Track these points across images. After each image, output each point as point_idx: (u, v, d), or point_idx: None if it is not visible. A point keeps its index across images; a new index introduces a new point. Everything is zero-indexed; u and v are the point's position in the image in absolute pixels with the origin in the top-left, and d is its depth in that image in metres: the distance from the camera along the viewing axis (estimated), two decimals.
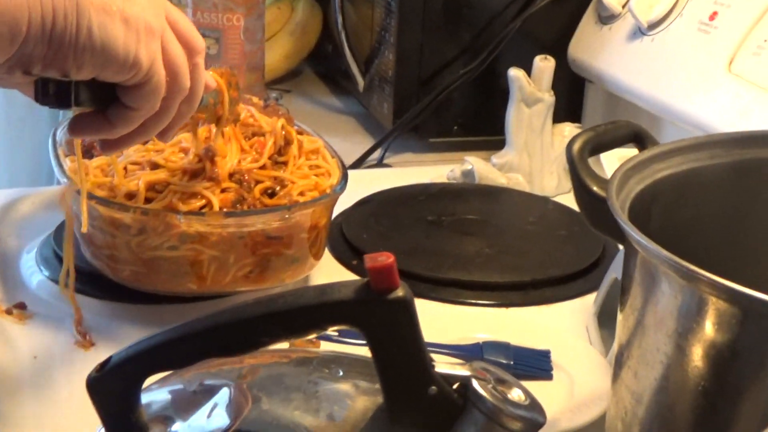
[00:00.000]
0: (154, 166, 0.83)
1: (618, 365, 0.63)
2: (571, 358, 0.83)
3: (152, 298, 0.86)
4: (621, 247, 0.96)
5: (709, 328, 0.54)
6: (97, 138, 0.69)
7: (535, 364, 0.82)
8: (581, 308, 0.92)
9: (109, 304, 0.87)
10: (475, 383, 0.50)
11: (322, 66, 1.58)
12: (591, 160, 0.67)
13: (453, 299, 0.91)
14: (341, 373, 0.55)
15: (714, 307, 0.53)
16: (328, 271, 0.95)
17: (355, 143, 1.31)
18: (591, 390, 0.79)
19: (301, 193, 0.86)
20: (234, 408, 0.51)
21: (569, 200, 1.13)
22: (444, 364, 0.51)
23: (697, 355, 0.55)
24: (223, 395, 0.53)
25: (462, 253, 0.98)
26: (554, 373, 0.81)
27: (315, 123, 1.30)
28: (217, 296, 0.87)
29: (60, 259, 0.94)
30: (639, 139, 0.71)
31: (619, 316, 0.63)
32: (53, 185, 1.87)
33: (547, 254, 0.99)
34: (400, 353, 0.49)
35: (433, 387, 0.50)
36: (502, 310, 0.91)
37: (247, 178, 0.84)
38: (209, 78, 0.76)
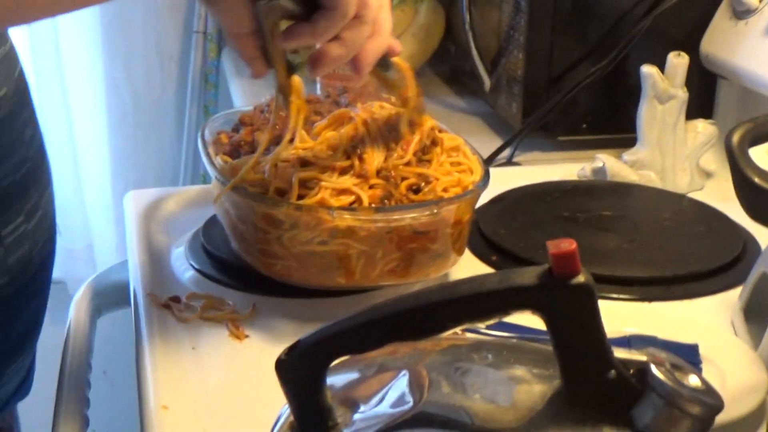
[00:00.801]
0: (304, 163, 0.85)
1: None
2: (720, 352, 0.82)
3: (301, 292, 0.88)
4: (763, 243, 0.95)
5: None
6: (304, 42, 0.79)
7: (683, 357, 0.81)
8: (724, 303, 0.92)
9: (260, 298, 0.90)
10: (653, 368, 0.51)
11: (443, 67, 1.59)
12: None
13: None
14: (512, 360, 0.56)
15: None
16: (468, 267, 0.96)
17: (482, 142, 1.31)
18: (743, 382, 0.78)
19: (445, 189, 0.87)
20: (413, 391, 0.53)
21: (704, 197, 1.13)
22: (621, 350, 0.52)
23: None
24: (402, 379, 0.54)
25: (600, 248, 0.99)
26: (703, 366, 0.81)
27: (440, 123, 1.32)
28: (363, 290, 0.90)
29: (209, 255, 0.97)
30: None
31: None
32: (179, 186, 1.94)
33: (687, 249, 0.99)
34: (580, 338, 0.50)
35: (612, 371, 0.50)
36: (645, 304, 0.91)
37: (393, 174, 0.85)
38: (395, 44, 0.85)
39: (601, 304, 0.89)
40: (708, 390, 0.52)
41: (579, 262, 0.49)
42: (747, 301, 0.87)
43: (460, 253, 0.91)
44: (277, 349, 0.83)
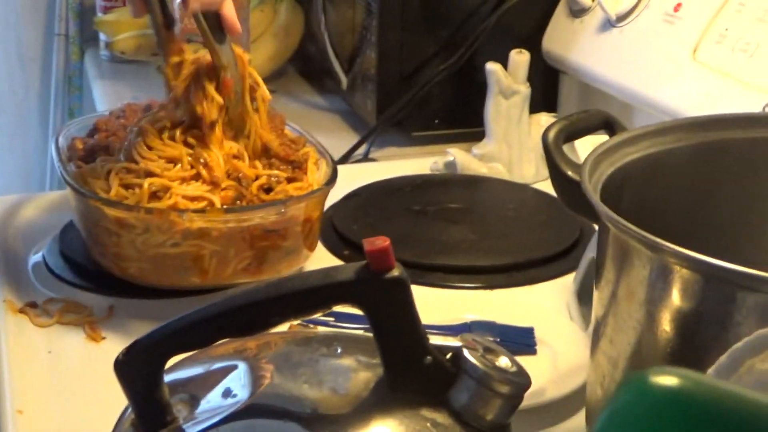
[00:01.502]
0: (149, 174, 0.87)
1: (596, 336, 0.69)
2: (553, 334, 0.88)
3: (157, 293, 0.91)
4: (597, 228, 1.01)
5: (675, 295, 0.60)
6: None
7: (520, 340, 0.87)
8: (561, 287, 0.98)
9: (117, 300, 0.92)
10: (465, 352, 0.56)
11: (305, 66, 1.63)
12: (566, 148, 0.73)
13: (441, 283, 0.97)
14: (340, 350, 0.60)
15: (679, 275, 0.59)
16: (321, 262, 1.00)
17: (340, 139, 1.36)
18: (573, 362, 0.84)
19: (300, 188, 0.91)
20: (248, 384, 0.57)
21: (547, 187, 1.18)
22: (437, 337, 0.57)
23: (665, 321, 0.61)
24: (237, 373, 0.58)
25: (448, 239, 1.04)
26: (538, 348, 0.87)
27: (300, 121, 1.35)
28: (218, 289, 0.93)
29: (66, 259, 0.99)
30: (610, 126, 0.76)
31: (596, 292, 0.69)
32: (45, 190, 1.92)
33: (528, 238, 1.05)
34: (397, 327, 0.54)
35: (429, 357, 0.55)
36: (487, 292, 0.97)
37: (243, 175, 0.89)
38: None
39: (446, 292, 0.97)
40: (518, 370, 0.57)
41: (393, 257, 0.54)
42: (580, 285, 0.93)
43: (311, 249, 0.95)
44: None
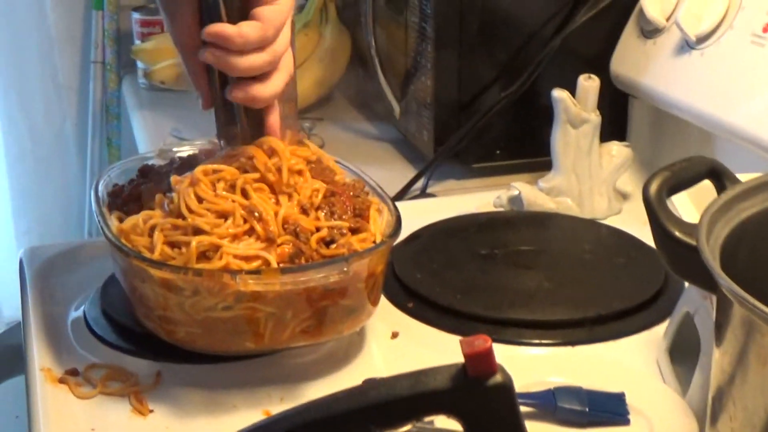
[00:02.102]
0: (197, 231, 0.79)
1: (715, 412, 0.60)
2: (647, 400, 0.80)
3: (208, 358, 0.83)
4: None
5: None
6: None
7: (610, 408, 0.78)
8: (649, 342, 0.89)
9: (164, 365, 0.84)
10: None
11: (352, 91, 1.55)
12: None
13: (516, 340, 0.88)
14: None
15: None
16: (384, 316, 0.92)
17: (394, 171, 1.29)
18: None
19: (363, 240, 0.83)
20: None
21: (622, 223, 1.10)
22: None
23: None
24: None
25: (520, 288, 0.95)
26: (631, 417, 0.78)
27: (350, 151, 1.28)
28: (273, 352, 0.85)
29: (108, 318, 0.91)
30: (716, 174, 0.68)
31: (716, 359, 0.60)
32: (84, 226, 1.86)
33: (608, 285, 0.96)
34: None
35: None
36: (568, 348, 0.88)
37: (301, 227, 0.81)
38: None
39: (522, 350, 0.88)
40: None
41: (495, 360, 0.45)
42: (672, 342, 0.84)
43: (375, 303, 0.87)
44: (184, 425, 0.79)
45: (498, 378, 0.45)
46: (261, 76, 0.81)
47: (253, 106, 0.84)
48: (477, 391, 0.45)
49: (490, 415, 0.46)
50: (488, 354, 0.45)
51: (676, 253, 0.62)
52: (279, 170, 0.82)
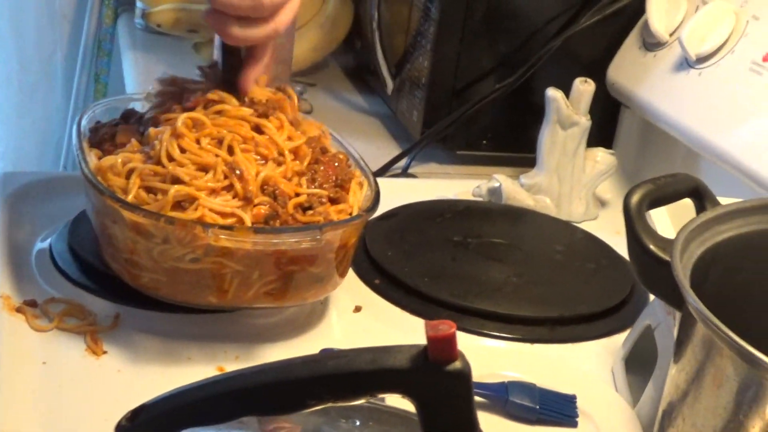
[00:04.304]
0: (176, 181, 0.79)
1: (663, 427, 0.60)
2: (598, 406, 0.80)
3: (169, 307, 0.83)
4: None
5: None
6: None
7: (561, 409, 0.79)
8: (607, 349, 0.89)
9: (124, 309, 0.84)
10: None
11: (348, 61, 1.54)
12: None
13: (477, 330, 0.88)
14: (374, 428, 0.52)
15: None
16: (349, 289, 0.92)
17: (379, 147, 1.28)
18: None
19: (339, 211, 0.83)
20: None
21: (597, 228, 1.11)
22: None
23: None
24: None
25: (488, 280, 0.95)
26: (580, 420, 0.78)
27: (338, 121, 1.28)
28: (236, 309, 0.85)
29: (74, 254, 0.91)
30: (698, 194, 0.68)
31: (671, 376, 0.60)
32: (61, 158, 1.84)
33: (575, 288, 0.96)
34: (451, 426, 0.46)
35: None
36: (527, 345, 0.89)
37: (281, 191, 0.80)
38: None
39: (482, 341, 0.88)
40: None
41: (457, 347, 0.45)
42: (629, 352, 0.85)
43: (342, 275, 0.87)
44: (136, 371, 0.79)
45: (457, 365, 0.45)
46: (249, 20, 0.81)
47: (227, 41, 0.83)
48: (435, 375, 0.45)
49: (445, 400, 0.46)
50: (451, 340, 0.45)
51: (648, 265, 0.62)
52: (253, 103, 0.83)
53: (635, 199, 0.64)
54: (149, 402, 0.46)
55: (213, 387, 0.45)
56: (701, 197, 0.68)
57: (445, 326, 0.45)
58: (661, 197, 0.66)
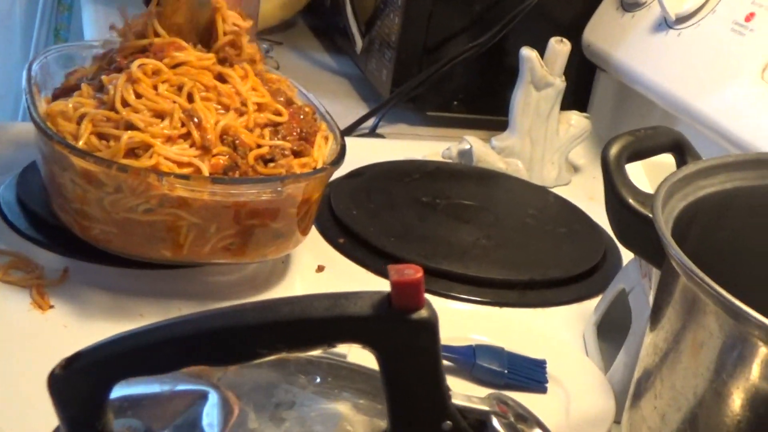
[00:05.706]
0: (130, 127, 0.74)
1: (639, 389, 0.57)
2: (568, 371, 0.77)
3: (120, 261, 0.79)
4: (624, 254, 0.90)
5: (754, 372, 0.48)
6: None
7: (530, 374, 0.76)
8: (578, 315, 0.86)
9: (73, 262, 0.79)
10: (495, 421, 0.44)
11: (317, 20, 1.49)
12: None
13: (445, 292, 0.85)
14: (341, 388, 0.49)
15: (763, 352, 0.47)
16: (312, 247, 0.88)
17: (347, 107, 1.24)
18: (588, 409, 0.73)
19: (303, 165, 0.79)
20: (218, 420, 0.45)
21: (570, 193, 1.07)
22: (461, 396, 0.45)
23: (735, 395, 0.49)
24: (204, 403, 0.46)
25: (457, 241, 0.92)
26: (549, 386, 0.75)
27: (306, 80, 1.22)
28: (192, 265, 0.81)
29: (22, 205, 0.86)
30: (679, 148, 0.65)
31: (648, 338, 0.57)
32: (20, 106, 1.78)
33: (547, 252, 0.93)
34: (416, 380, 0.43)
35: (448, 422, 0.43)
36: (496, 309, 0.85)
37: (241, 141, 0.76)
38: None
39: (450, 304, 0.85)
40: None
41: (423, 294, 0.42)
42: (601, 317, 0.82)
43: (305, 233, 0.83)
44: (84, 327, 0.74)
45: (423, 313, 0.42)
46: None
47: None
48: (399, 324, 0.41)
49: (409, 351, 0.42)
50: (417, 285, 0.41)
51: (627, 220, 0.59)
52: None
53: (614, 151, 0.61)
54: (86, 349, 0.42)
55: (155, 333, 0.41)
56: (682, 152, 0.64)
57: (411, 270, 0.41)
58: (641, 150, 0.63)
